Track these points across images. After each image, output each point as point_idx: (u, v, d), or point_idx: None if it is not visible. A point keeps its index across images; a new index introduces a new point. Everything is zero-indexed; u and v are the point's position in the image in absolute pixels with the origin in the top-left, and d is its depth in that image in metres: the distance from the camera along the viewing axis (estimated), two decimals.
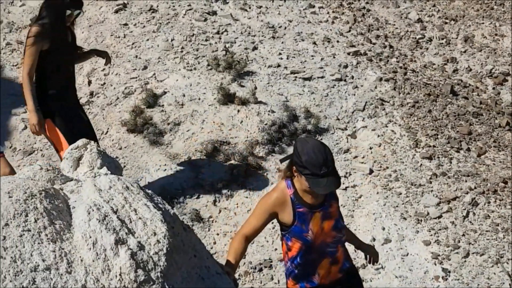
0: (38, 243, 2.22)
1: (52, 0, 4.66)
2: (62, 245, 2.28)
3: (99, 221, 2.37)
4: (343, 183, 5.71)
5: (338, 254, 3.42)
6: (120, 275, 2.27)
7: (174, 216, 2.90)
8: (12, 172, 3.47)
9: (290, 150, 6.00)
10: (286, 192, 3.28)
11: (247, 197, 5.60)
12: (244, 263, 5.03)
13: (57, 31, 4.69)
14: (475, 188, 5.69)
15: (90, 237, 2.32)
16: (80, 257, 2.27)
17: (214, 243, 5.22)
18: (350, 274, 3.55)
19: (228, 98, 6.29)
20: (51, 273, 2.16)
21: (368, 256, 3.80)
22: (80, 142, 3.02)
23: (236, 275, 4.93)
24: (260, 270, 5.01)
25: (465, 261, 5.11)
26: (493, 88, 6.93)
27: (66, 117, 4.82)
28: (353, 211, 5.48)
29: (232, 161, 5.78)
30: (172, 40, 7.09)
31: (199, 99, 6.38)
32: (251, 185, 5.69)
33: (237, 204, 5.54)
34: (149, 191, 2.93)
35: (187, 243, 2.90)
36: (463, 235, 5.29)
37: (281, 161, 3.40)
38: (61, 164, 2.97)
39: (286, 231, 3.33)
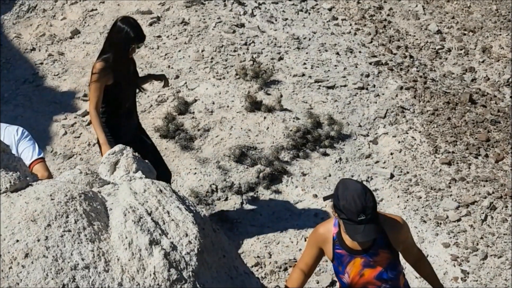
0: (78, 243, 2.24)
1: (116, 35, 4.48)
2: (100, 245, 2.29)
3: (135, 223, 2.39)
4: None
5: None
6: (154, 274, 2.28)
7: (204, 218, 2.90)
8: (50, 176, 3.50)
9: (314, 155, 5.99)
10: (331, 230, 3.11)
11: (272, 200, 5.59)
12: (270, 263, 5.02)
13: (120, 65, 4.55)
14: (493, 193, 5.61)
15: (126, 237, 2.33)
16: (116, 256, 2.28)
17: (241, 243, 5.22)
18: None
19: (255, 106, 6.29)
20: (89, 272, 2.17)
21: None
22: (117, 147, 3.04)
23: (262, 274, 4.93)
24: (285, 269, 4.99)
25: (483, 263, 5.04)
26: (511, 97, 6.84)
27: (130, 141, 4.69)
28: None
29: (259, 165, 5.77)
30: (202, 51, 7.12)
31: (228, 106, 6.40)
32: (276, 188, 5.69)
33: (263, 206, 5.54)
34: (181, 194, 2.94)
35: (217, 244, 2.89)
36: (481, 238, 5.22)
37: (324, 199, 3.23)
38: (99, 168, 3.00)
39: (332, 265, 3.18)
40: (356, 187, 2.86)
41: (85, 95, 6.64)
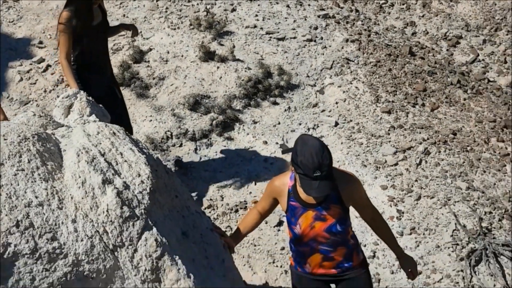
0: (32, 182, 2.20)
1: None
2: (54, 184, 2.26)
3: (88, 163, 2.36)
4: (311, 134, 5.73)
5: (335, 254, 3.09)
6: (107, 211, 2.27)
7: (157, 160, 2.89)
8: (6, 119, 3.39)
9: (265, 104, 5.99)
10: (286, 183, 3.06)
11: (225, 146, 5.59)
12: (222, 205, 5.05)
13: (86, 13, 4.34)
14: (427, 139, 5.73)
15: (79, 177, 2.31)
16: (70, 194, 2.26)
17: (195, 187, 5.23)
18: (350, 274, 3.17)
19: (208, 56, 6.21)
20: (43, 209, 2.15)
21: (404, 266, 3.33)
22: (71, 91, 2.97)
23: (215, 215, 4.97)
24: (236, 211, 5.04)
25: (417, 203, 5.18)
26: (447, 50, 6.93)
27: (102, 94, 4.53)
28: None
29: (212, 113, 5.75)
30: (157, 1, 6.94)
31: (182, 56, 6.30)
32: (229, 135, 5.69)
33: (216, 152, 5.54)
34: (134, 137, 2.91)
35: (169, 185, 2.90)
36: (416, 180, 5.35)
37: (283, 152, 3.18)
38: (53, 111, 2.92)
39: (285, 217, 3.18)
40: (314, 144, 2.79)
41: (40, 42, 6.41)
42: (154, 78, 6.05)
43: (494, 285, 4.63)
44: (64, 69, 4.36)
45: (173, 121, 5.68)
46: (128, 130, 4.80)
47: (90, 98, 3.00)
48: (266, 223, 4.88)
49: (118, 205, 2.28)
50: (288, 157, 5.42)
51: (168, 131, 5.59)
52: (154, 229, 2.38)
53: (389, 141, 5.68)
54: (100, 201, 2.27)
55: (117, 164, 2.47)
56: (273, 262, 4.65)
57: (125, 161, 2.52)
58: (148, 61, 6.25)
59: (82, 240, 2.19)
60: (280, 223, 4.92)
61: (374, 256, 4.75)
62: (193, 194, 5.06)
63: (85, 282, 2.20)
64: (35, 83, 6.09)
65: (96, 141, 2.54)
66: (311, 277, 3.20)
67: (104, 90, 4.63)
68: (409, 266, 3.31)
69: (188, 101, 5.77)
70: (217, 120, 5.68)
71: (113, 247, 2.27)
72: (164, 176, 2.85)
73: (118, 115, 4.71)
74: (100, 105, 3.10)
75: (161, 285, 2.35)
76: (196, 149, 5.53)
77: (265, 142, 5.61)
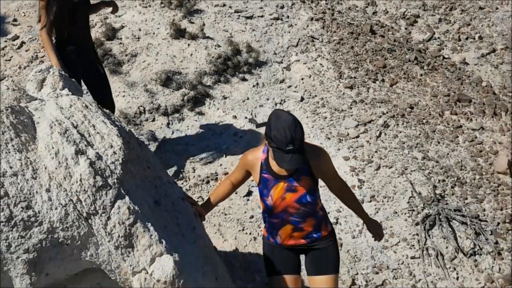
0: (6, 153, 2.16)
1: None
2: (28, 154, 2.22)
3: (61, 134, 2.32)
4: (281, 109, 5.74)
5: (305, 225, 3.09)
6: (80, 180, 2.24)
7: (130, 132, 2.85)
8: None
9: (234, 80, 5.96)
10: (259, 156, 3.04)
11: (196, 121, 5.56)
12: (194, 177, 5.04)
13: None
14: (387, 112, 5.78)
15: (53, 148, 2.27)
16: (44, 165, 2.22)
17: (168, 159, 5.20)
18: (319, 244, 3.18)
19: (179, 33, 6.13)
20: (18, 179, 2.11)
21: (371, 230, 3.40)
22: (44, 66, 2.90)
23: (187, 187, 4.96)
24: (208, 182, 5.03)
25: (377, 173, 5.24)
26: (405, 28, 6.97)
27: (84, 71, 4.49)
28: None
29: (183, 89, 5.70)
30: None
31: (154, 33, 6.20)
32: (200, 110, 5.65)
33: (187, 126, 5.51)
34: (107, 110, 2.87)
35: (142, 156, 2.87)
36: (376, 151, 5.41)
37: (257, 126, 3.14)
38: (27, 85, 2.85)
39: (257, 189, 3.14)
40: (287, 119, 2.77)
41: (14, 20, 6.24)
42: (126, 55, 5.96)
43: (447, 247, 4.74)
44: (45, 44, 4.25)
45: (146, 96, 5.61)
46: (111, 105, 4.73)
47: (63, 72, 2.93)
48: (236, 193, 4.90)
49: (91, 175, 2.26)
50: (261, 131, 5.44)
51: (141, 106, 5.53)
52: (127, 198, 2.37)
53: (351, 115, 5.73)
54: (73, 171, 2.24)
55: (89, 135, 2.44)
56: (243, 230, 4.68)
57: (98, 133, 2.48)
58: (121, 38, 6.14)
59: (56, 209, 2.17)
60: (249, 193, 4.94)
61: (336, 223, 4.81)
62: (166, 167, 5.03)
63: (60, 248, 2.18)
64: (9, 60, 5.93)
65: (68, 113, 2.50)
66: (283, 251, 3.19)
67: (85, 66, 4.53)
68: (376, 229, 3.38)
69: (160, 77, 5.71)
70: (188, 95, 5.64)
71: (87, 215, 2.25)
72: (136, 147, 2.82)
73: (100, 91, 4.64)
74: (73, 80, 3.04)
75: (134, 250, 2.34)
76: (168, 124, 5.48)
77: (235, 117, 5.60)
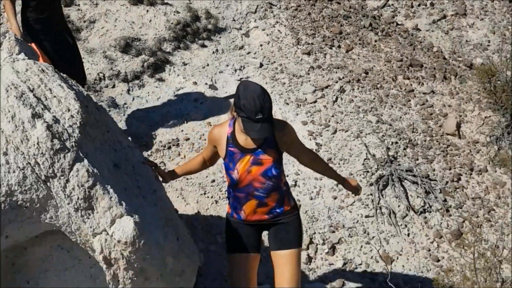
0: None
1: None
2: None
3: (17, 98, 2.25)
4: (238, 75, 5.70)
5: (269, 200, 3.03)
6: (37, 144, 2.20)
7: (87, 97, 2.80)
8: None
9: (194, 47, 5.88)
10: (225, 130, 2.99)
11: (157, 87, 5.49)
12: (155, 142, 5.00)
13: None
14: (343, 78, 5.81)
15: (9, 111, 2.21)
16: (0, 129, 2.16)
17: (129, 126, 5.13)
18: (282, 219, 3.13)
19: None
20: None
21: (348, 187, 3.41)
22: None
23: (149, 152, 4.91)
24: (169, 148, 5.00)
25: (333, 136, 5.29)
26: None
27: (52, 41, 4.30)
28: None
29: (143, 56, 5.59)
30: None
31: None
32: (160, 76, 5.57)
33: (148, 93, 5.43)
34: (64, 74, 2.79)
35: (100, 120, 2.82)
36: (333, 116, 5.46)
37: (226, 98, 3.06)
38: None
39: (222, 164, 3.08)
40: (256, 88, 2.76)
41: None
42: (85, 21, 5.78)
43: (399, 206, 4.87)
44: (7, 11, 4.11)
45: (105, 63, 5.48)
46: (82, 74, 4.57)
47: (19, 37, 2.83)
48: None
49: (48, 138, 2.21)
50: (220, 94, 5.41)
51: (101, 72, 5.41)
52: (86, 161, 2.33)
53: (309, 81, 5.75)
54: (31, 135, 2.19)
55: (46, 99, 2.37)
56: (204, 194, 4.69)
57: (54, 96, 2.42)
58: (79, 4, 5.94)
59: (14, 172, 2.12)
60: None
61: (295, 185, 4.87)
62: (127, 134, 4.96)
63: (19, 211, 2.14)
64: None
65: (25, 77, 2.42)
66: (246, 226, 3.13)
67: (56, 36, 4.37)
68: (352, 186, 3.41)
69: (119, 43, 5.58)
70: (148, 62, 5.54)
71: (45, 178, 2.20)
72: (95, 112, 2.77)
73: (70, 61, 4.47)
74: (30, 44, 2.93)
75: (94, 212, 2.32)
76: (128, 90, 5.39)
77: (195, 83, 5.54)
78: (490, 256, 4.04)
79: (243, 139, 2.92)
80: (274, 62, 5.88)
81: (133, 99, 5.33)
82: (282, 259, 3.11)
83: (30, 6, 4.23)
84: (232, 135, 2.96)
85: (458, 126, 5.61)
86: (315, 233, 4.58)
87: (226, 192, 3.19)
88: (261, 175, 2.95)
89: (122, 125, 5.06)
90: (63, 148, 2.26)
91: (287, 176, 4.88)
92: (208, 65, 5.74)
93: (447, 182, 5.15)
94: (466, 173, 5.26)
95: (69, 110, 2.40)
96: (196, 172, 3.30)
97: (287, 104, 5.49)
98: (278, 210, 3.08)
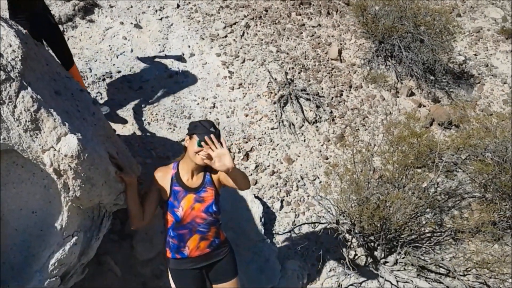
0: None
1: None
2: None
3: None
4: (159, 15, 5.52)
5: (209, 234, 2.83)
6: None
7: (26, 34, 2.66)
8: None
9: None
10: (170, 172, 2.79)
11: (88, 28, 5.21)
12: (91, 76, 4.80)
13: None
14: (248, 15, 5.79)
15: None
16: None
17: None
18: (218, 254, 2.92)
19: None
20: None
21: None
22: None
23: (86, 84, 4.73)
24: (104, 80, 4.84)
25: (242, 65, 5.32)
26: None
27: (34, 23, 3.73)
28: (168, 34, 5.38)
29: (73, 0, 5.23)
30: None
31: None
32: (90, 18, 5.28)
33: (81, 32, 5.15)
34: (4, 16, 2.62)
35: (40, 55, 2.71)
36: (241, 48, 5.48)
37: (188, 134, 2.66)
38: None
39: (165, 205, 2.81)
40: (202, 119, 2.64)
41: None
42: None
43: (296, 119, 5.07)
44: None
45: None
46: (66, 53, 4.05)
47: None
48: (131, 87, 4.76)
49: None
50: (143, 36, 5.21)
51: None
52: (29, 88, 2.27)
53: (220, 19, 5.68)
54: None
55: None
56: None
57: None
58: None
59: None
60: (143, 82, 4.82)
61: (214, 106, 4.90)
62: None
63: None
64: None
65: None
66: (189, 264, 2.87)
67: (38, 17, 3.84)
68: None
69: None
70: (78, 5, 5.22)
71: None
72: (34, 47, 2.65)
73: (54, 41, 3.99)
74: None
75: (41, 132, 2.29)
76: (63, 31, 5.08)
77: (122, 23, 5.31)
78: (364, 151, 4.37)
79: (186, 179, 2.77)
80: (189, 3, 5.72)
81: (68, 39, 5.05)
82: None
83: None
84: (176, 175, 2.79)
85: (340, 52, 5.83)
86: (232, 144, 4.69)
87: (166, 236, 2.86)
88: (203, 211, 2.79)
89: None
90: (9, 78, 2.18)
91: (206, 99, 4.92)
92: (132, 6, 5.50)
93: (332, 97, 5.39)
94: (346, 90, 5.54)
95: (10, 45, 2.29)
96: (138, 212, 2.79)
97: (203, 39, 5.43)
98: (216, 241, 2.88)
